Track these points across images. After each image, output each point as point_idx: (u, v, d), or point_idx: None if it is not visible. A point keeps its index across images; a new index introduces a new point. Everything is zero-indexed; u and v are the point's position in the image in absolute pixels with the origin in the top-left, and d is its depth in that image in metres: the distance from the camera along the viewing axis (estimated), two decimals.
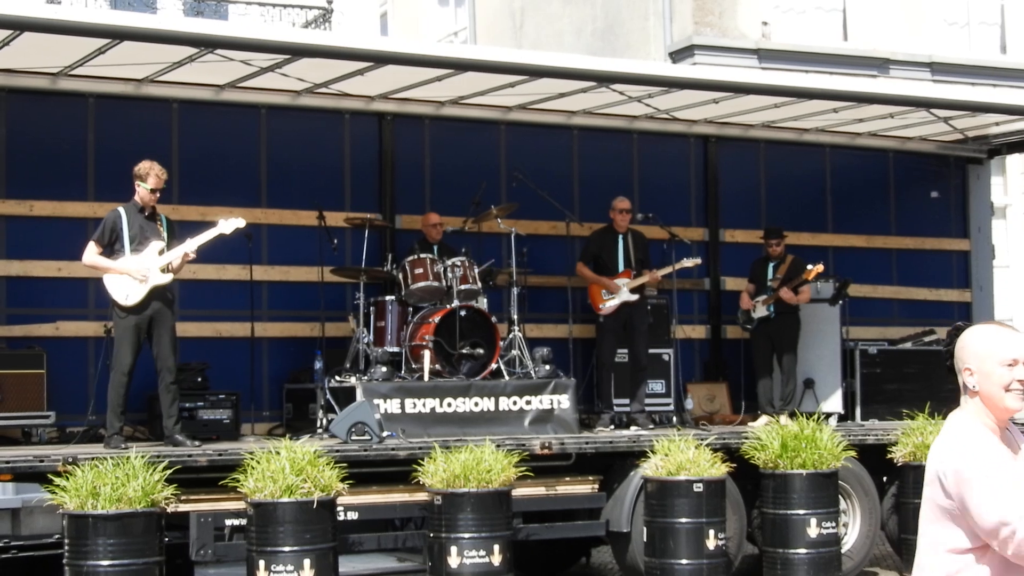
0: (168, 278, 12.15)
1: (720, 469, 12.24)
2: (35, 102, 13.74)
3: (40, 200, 13.62)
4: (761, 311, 15.64)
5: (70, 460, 10.61)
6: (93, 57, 12.55)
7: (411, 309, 14.18)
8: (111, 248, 12.12)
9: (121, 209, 12.22)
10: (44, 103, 13.79)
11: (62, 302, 13.52)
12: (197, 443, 11.94)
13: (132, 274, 12.00)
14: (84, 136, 13.90)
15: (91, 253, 12.14)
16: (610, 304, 14.84)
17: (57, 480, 10.21)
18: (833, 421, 15.18)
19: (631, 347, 15.00)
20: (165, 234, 12.26)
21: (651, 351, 15.29)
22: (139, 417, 13.20)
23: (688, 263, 15.19)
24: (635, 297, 14.85)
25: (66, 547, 10.13)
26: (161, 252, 12.15)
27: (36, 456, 11.06)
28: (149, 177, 12.14)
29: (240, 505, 10.95)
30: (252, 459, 10.77)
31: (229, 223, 12.45)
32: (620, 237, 15.01)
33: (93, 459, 10.41)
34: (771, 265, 15.79)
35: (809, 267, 15.36)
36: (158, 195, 12.25)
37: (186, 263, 12.35)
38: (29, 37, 11.63)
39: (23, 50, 12.09)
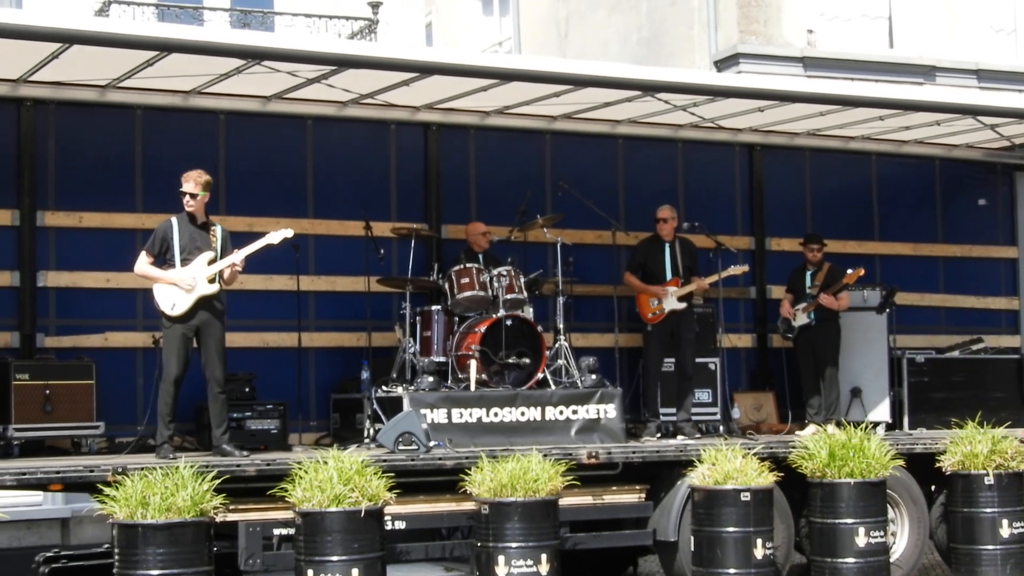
0: (215, 288, 12.20)
1: (767, 478, 12.21)
2: (84, 114, 13.82)
3: (89, 212, 13.72)
4: (802, 319, 15.60)
5: (119, 470, 10.67)
6: (141, 69, 12.63)
7: (457, 319, 14.20)
8: (162, 258, 12.20)
9: (174, 219, 12.30)
10: (92, 115, 13.88)
11: (111, 313, 13.60)
12: (245, 453, 11.98)
13: (179, 284, 12.06)
14: (132, 148, 13.99)
15: (142, 263, 12.24)
16: (657, 312, 14.82)
17: (107, 490, 10.27)
18: (881, 430, 15.11)
19: (678, 356, 14.97)
20: (218, 244, 12.31)
21: (698, 360, 15.27)
22: (187, 427, 13.26)
23: (736, 271, 15.17)
24: (683, 305, 14.83)
25: (116, 556, 10.18)
26: (211, 262, 12.21)
27: (86, 466, 11.11)
28: (184, 183, 12.24)
29: (288, 515, 10.99)
30: (300, 469, 10.81)
31: (278, 234, 12.50)
32: (667, 246, 14.99)
33: (142, 469, 10.46)
34: (808, 274, 15.76)
35: (849, 271, 15.32)
36: (189, 199, 12.21)
37: (236, 274, 12.39)
38: (78, 50, 11.72)
39: (72, 63, 12.19)
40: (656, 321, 14.85)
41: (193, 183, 12.26)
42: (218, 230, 12.43)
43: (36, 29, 11.27)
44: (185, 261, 12.17)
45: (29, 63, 12.41)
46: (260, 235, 12.56)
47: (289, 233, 12.56)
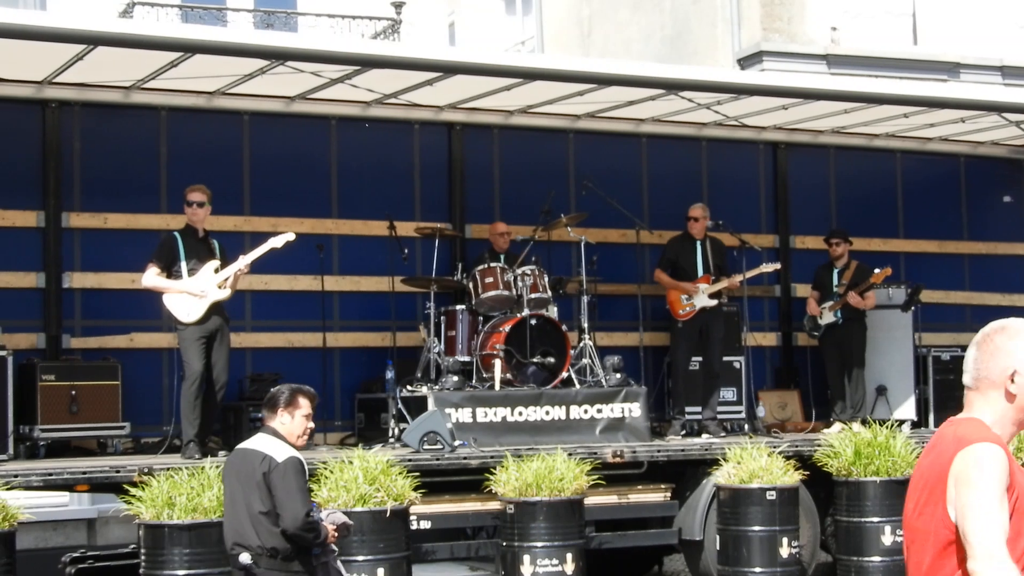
0: (226, 294, 12.31)
1: (793, 477, 12.20)
2: (108, 116, 13.88)
3: (114, 213, 13.76)
4: (828, 317, 15.59)
5: (145, 470, 10.70)
6: (165, 71, 12.66)
7: (481, 318, 14.20)
8: (168, 271, 12.31)
9: (176, 233, 12.48)
10: (117, 117, 13.93)
11: (136, 314, 13.63)
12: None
13: (192, 291, 12.15)
14: (156, 149, 14.03)
15: (151, 275, 12.32)
16: (688, 309, 14.80)
17: (133, 490, 10.30)
18: (906, 428, 15.08)
19: (705, 354, 14.96)
20: (218, 255, 12.47)
21: (723, 359, 15.26)
22: (214, 427, 13.27)
23: (767, 268, 15.15)
24: (713, 303, 14.81)
25: (142, 557, 10.23)
26: (216, 270, 12.31)
27: (112, 467, 11.17)
28: (191, 194, 12.49)
29: None
30: (325, 469, 10.83)
31: (280, 238, 12.51)
32: (698, 243, 14.98)
33: (168, 469, 10.49)
34: (836, 272, 15.74)
35: (876, 271, 15.30)
36: (196, 208, 12.43)
37: (239, 278, 12.45)
38: (102, 51, 11.74)
39: (96, 64, 12.22)
40: (687, 318, 14.84)
41: (200, 193, 12.47)
42: (215, 242, 12.61)
43: (61, 31, 11.31)
44: (192, 271, 12.30)
45: (54, 65, 12.45)
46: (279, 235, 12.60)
47: (291, 236, 12.57)
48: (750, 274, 15.02)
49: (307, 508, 8.71)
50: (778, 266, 15.51)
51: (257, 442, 8.85)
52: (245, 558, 8.55)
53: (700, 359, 15.07)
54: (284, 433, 8.84)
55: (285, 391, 8.91)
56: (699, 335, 14.91)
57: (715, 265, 14.95)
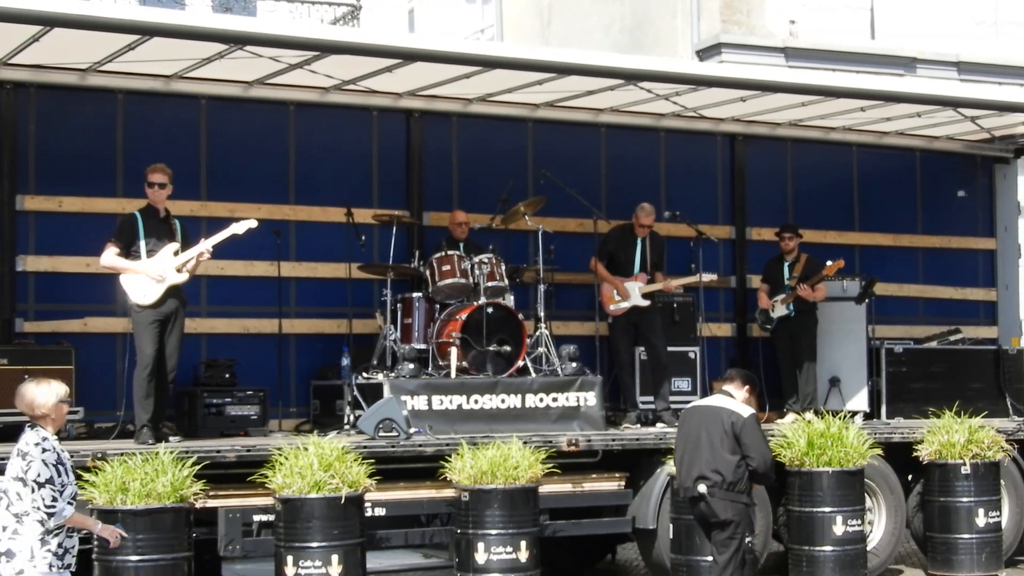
0: (184, 277, 12.26)
1: None
2: (64, 98, 13.77)
3: (69, 196, 13.66)
4: (781, 310, 15.66)
5: (99, 455, 10.66)
6: (122, 53, 12.59)
7: (438, 306, 14.20)
8: (127, 251, 12.23)
9: (137, 213, 12.39)
10: (73, 99, 13.82)
11: (90, 298, 13.55)
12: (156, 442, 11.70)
13: (149, 274, 12.10)
14: (113, 132, 13.93)
15: (109, 255, 12.24)
16: (621, 306, 14.80)
17: (86, 475, 10.25)
18: (859, 419, 15.17)
19: (648, 346, 14.94)
20: (179, 237, 12.39)
21: (678, 349, 15.30)
22: (167, 413, 13.22)
23: (705, 279, 15.17)
24: (647, 303, 14.80)
25: (95, 542, 10.17)
26: (176, 253, 12.25)
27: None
28: (152, 175, 12.40)
29: (268, 501, 10.99)
30: (280, 455, 10.82)
31: (242, 224, 12.51)
32: (639, 240, 14.95)
33: (122, 454, 10.45)
34: (786, 265, 15.82)
35: (829, 263, 15.39)
36: (158, 189, 12.36)
37: (200, 263, 12.43)
38: (59, 33, 11.67)
39: (52, 46, 12.14)
40: (617, 314, 14.83)
41: (161, 174, 12.39)
42: (177, 223, 12.53)
43: (17, 12, 11.20)
44: (151, 253, 12.24)
45: (9, 46, 12.36)
46: (240, 221, 12.57)
47: (253, 223, 12.56)
48: (686, 281, 15.07)
49: (772, 452, 11.47)
50: (714, 277, 15.51)
51: (717, 400, 11.38)
52: (702, 488, 10.94)
53: (644, 349, 15.09)
54: (737, 398, 11.34)
55: (742, 372, 11.70)
56: (634, 328, 14.90)
57: (652, 263, 14.95)
